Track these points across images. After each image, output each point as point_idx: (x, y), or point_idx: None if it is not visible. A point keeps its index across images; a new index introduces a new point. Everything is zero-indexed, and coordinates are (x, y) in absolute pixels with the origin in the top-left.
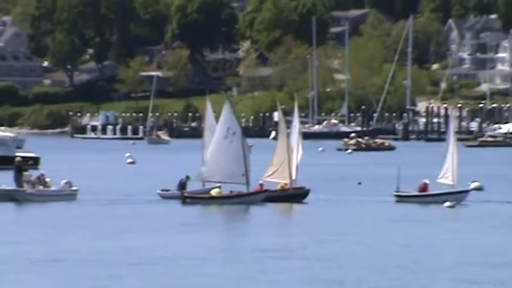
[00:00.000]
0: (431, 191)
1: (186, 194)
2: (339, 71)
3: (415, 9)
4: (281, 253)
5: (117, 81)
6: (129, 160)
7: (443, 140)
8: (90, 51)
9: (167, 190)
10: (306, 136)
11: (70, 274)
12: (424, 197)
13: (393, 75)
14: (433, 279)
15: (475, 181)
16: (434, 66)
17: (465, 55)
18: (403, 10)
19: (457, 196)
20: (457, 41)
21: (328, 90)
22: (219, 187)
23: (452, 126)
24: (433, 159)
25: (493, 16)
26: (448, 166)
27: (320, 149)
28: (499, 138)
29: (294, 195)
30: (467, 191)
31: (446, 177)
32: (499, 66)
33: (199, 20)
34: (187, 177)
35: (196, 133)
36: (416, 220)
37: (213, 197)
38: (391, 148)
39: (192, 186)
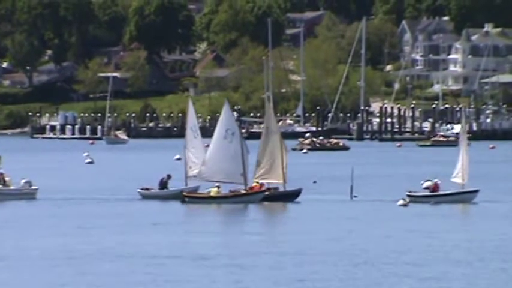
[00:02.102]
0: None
1: (185, 194)
2: (294, 72)
3: (368, 11)
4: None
5: (75, 82)
6: (87, 160)
7: (396, 139)
8: (49, 52)
9: (147, 189)
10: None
11: (29, 271)
12: (435, 197)
13: (347, 76)
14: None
15: (428, 180)
16: (388, 68)
17: (418, 56)
18: (357, 12)
19: (466, 196)
20: (410, 43)
21: (283, 91)
22: (218, 187)
23: (463, 127)
24: (387, 159)
25: (446, 18)
26: (460, 166)
27: None
28: (452, 138)
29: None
30: (476, 191)
31: (459, 177)
32: (451, 68)
33: (156, 21)
34: (169, 176)
35: (154, 133)
36: (367, 219)
37: (211, 197)
38: (345, 148)
39: (173, 185)
